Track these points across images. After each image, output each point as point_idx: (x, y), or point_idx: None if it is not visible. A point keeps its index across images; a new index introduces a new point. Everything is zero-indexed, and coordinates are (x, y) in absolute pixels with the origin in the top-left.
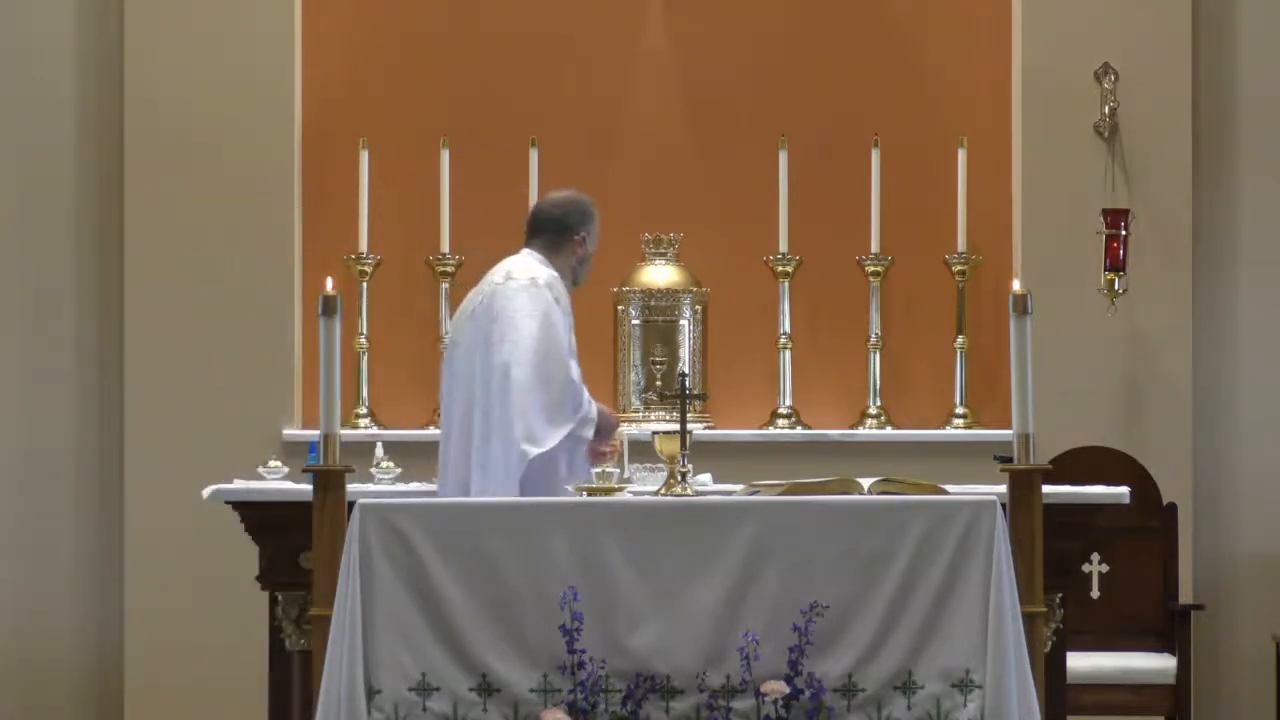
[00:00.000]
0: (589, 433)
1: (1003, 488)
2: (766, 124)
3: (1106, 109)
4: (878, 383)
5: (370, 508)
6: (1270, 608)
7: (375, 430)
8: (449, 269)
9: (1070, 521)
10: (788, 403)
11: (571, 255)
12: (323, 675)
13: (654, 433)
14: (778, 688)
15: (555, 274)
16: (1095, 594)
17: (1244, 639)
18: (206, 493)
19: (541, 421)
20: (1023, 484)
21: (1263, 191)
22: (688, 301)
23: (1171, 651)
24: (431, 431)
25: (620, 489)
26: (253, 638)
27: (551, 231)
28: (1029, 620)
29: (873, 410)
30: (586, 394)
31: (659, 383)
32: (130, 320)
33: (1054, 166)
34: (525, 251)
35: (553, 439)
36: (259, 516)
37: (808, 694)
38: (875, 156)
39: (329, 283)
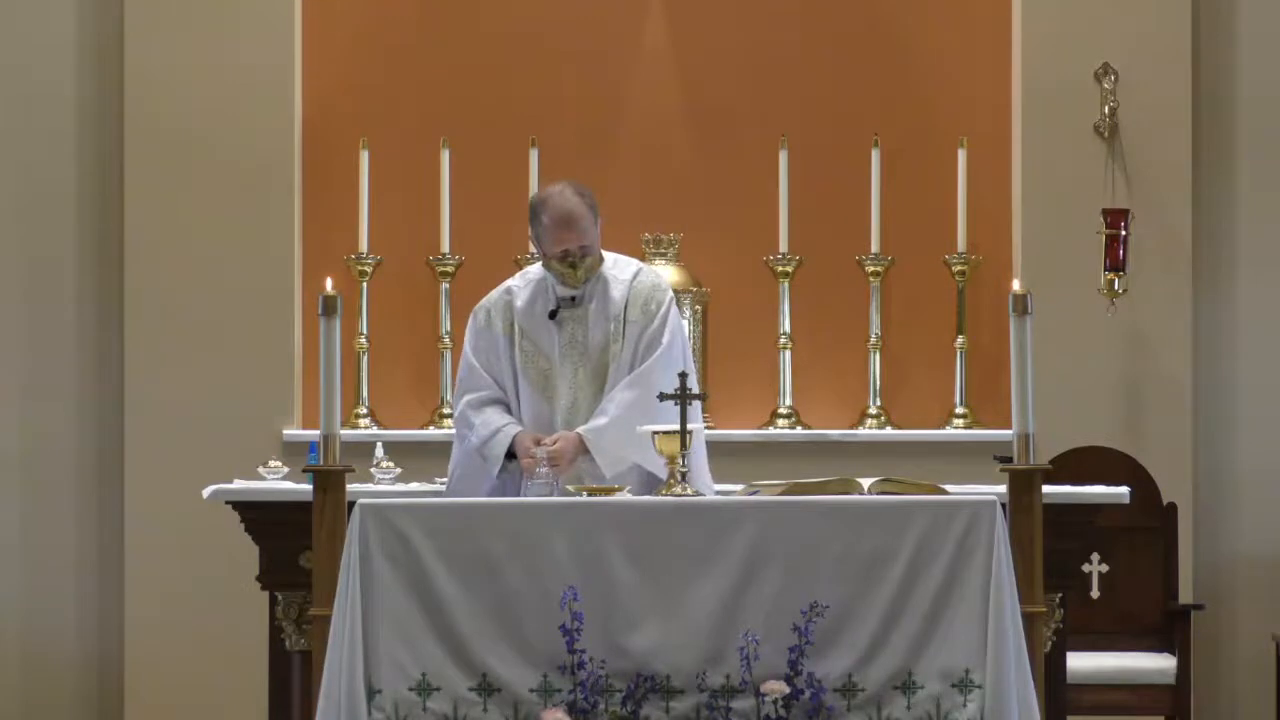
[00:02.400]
0: (493, 469)
1: (1003, 488)
2: (766, 124)
3: (1106, 109)
4: (878, 383)
5: (370, 508)
6: (1270, 608)
7: (375, 430)
8: (449, 269)
9: (1070, 521)
10: (788, 403)
11: None
12: (323, 675)
13: (654, 433)
14: (778, 688)
15: (505, 288)
16: (1095, 594)
17: (1244, 639)
18: (206, 493)
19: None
20: (1023, 484)
21: (1263, 192)
22: (688, 301)
23: (1171, 651)
24: (432, 431)
25: (621, 489)
26: (253, 638)
27: None
28: (1029, 620)
29: (873, 410)
30: (487, 426)
31: None
32: (130, 320)
33: (1054, 166)
34: None
35: (450, 470)
36: (259, 516)
37: (808, 694)
38: (875, 156)
39: (329, 283)
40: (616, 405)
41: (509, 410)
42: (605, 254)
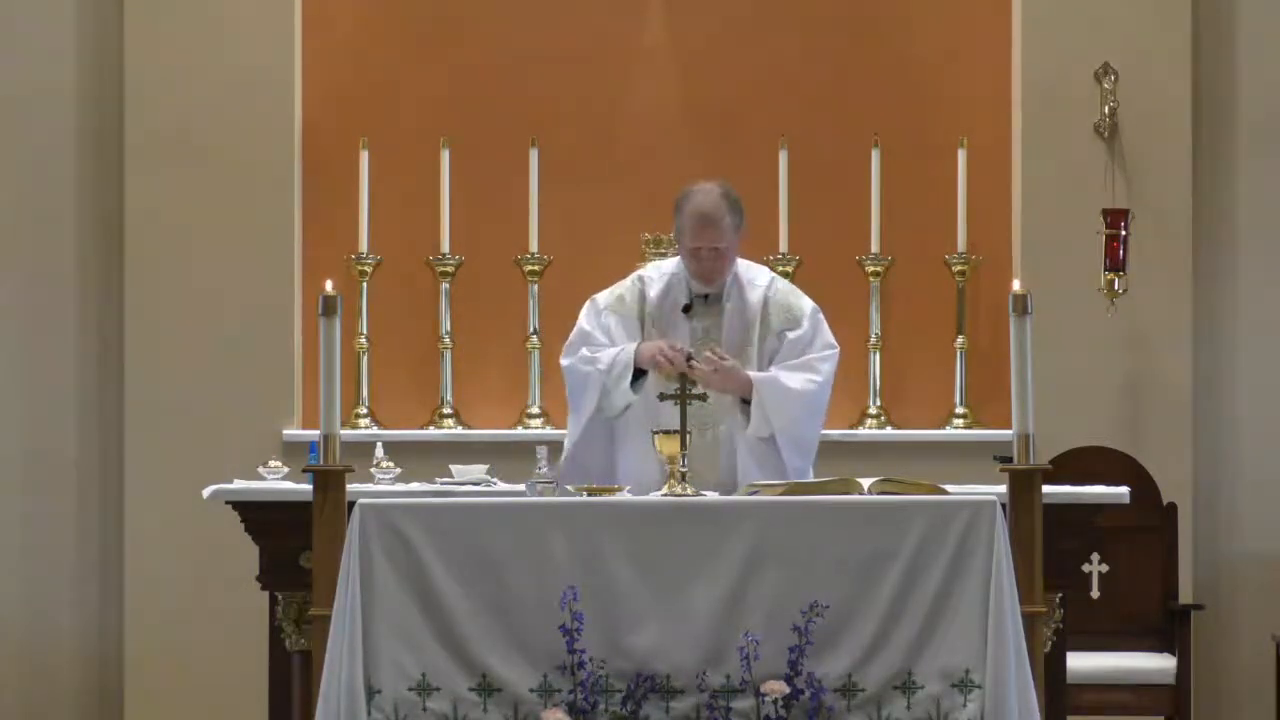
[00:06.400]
0: (618, 399)
1: (1003, 488)
2: (766, 124)
3: (1106, 109)
4: (878, 383)
5: (370, 508)
6: (1270, 608)
7: (375, 430)
8: (449, 269)
9: (1070, 521)
10: None
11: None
12: (323, 675)
13: (654, 432)
14: (778, 688)
15: (637, 276)
16: (1095, 594)
17: (1244, 639)
18: (206, 493)
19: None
20: (1023, 484)
21: (1262, 191)
22: None
23: (1171, 651)
24: (431, 431)
25: (620, 489)
26: (253, 638)
27: None
28: (1029, 620)
29: (873, 410)
30: (608, 353)
31: None
32: (130, 320)
33: (1054, 166)
34: None
35: (570, 439)
36: (259, 516)
37: (808, 694)
38: (875, 156)
39: (329, 283)
40: (788, 376)
41: None
42: (740, 260)
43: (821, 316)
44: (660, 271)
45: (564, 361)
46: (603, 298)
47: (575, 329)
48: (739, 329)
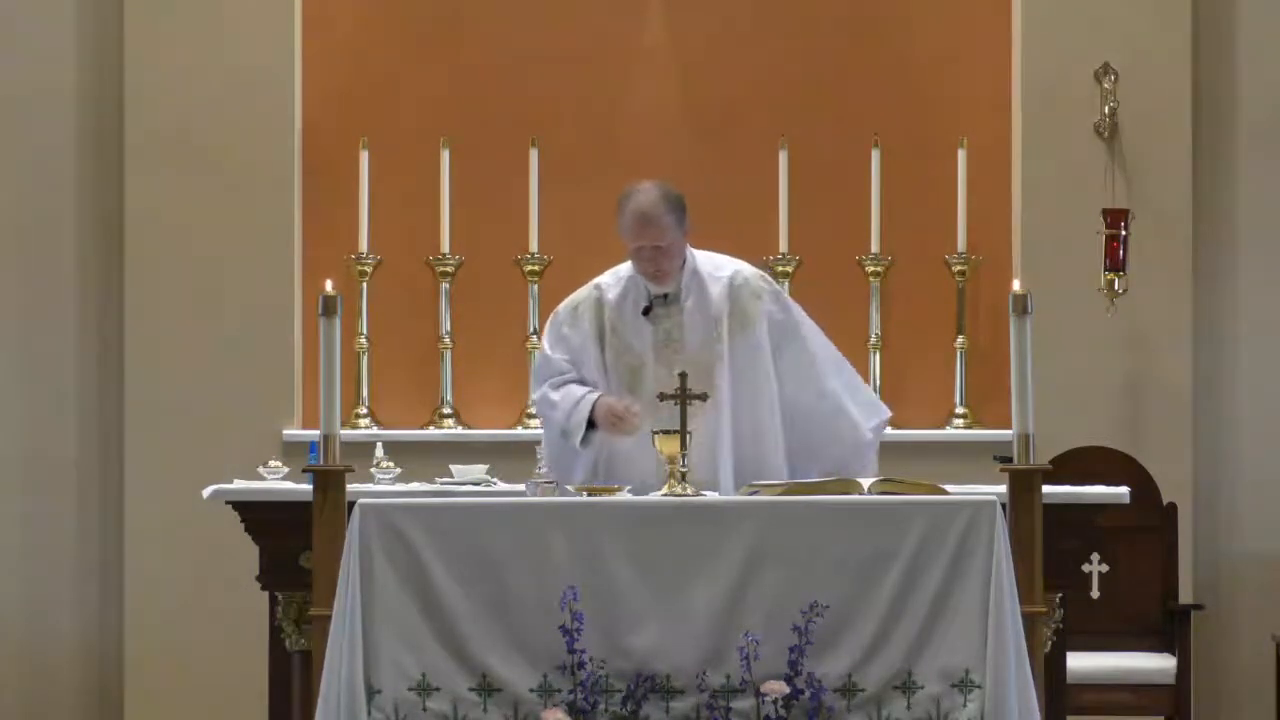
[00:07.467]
0: (575, 440)
1: (1003, 488)
2: (766, 124)
3: (1106, 109)
4: (878, 383)
5: (370, 508)
6: (1270, 608)
7: (375, 430)
8: (449, 269)
9: (1070, 521)
10: None
11: None
12: (323, 675)
13: (654, 432)
14: (778, 688)
15: (594, 285)
16: (1095, 594)
17: (1244, 639)
18: (206, 493)
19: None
20: (1023, 484)
21: (1263, 192)
22: None
23: (1171, 651)
24: (432, 431)
25: (620, 489)
26: (253, 638)
27: None
28: (1029, 620)
29: None
30: (569, 398)
31: None
32: (130, 320)
33: (1054, 166)
34: None
35: (544, 464)
36: (259, 516)
37: (808, 694)
38: (875, 156)
39: (329, 283)
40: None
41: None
42: (699, 253)
43: (783, 292)
44: (617, 277)
45: (532, 395)
46: (562, 312)
47: (540, 353)
48: (700, 328)
